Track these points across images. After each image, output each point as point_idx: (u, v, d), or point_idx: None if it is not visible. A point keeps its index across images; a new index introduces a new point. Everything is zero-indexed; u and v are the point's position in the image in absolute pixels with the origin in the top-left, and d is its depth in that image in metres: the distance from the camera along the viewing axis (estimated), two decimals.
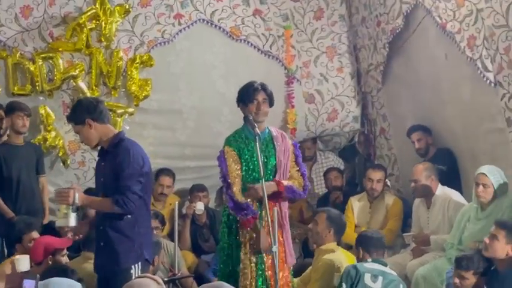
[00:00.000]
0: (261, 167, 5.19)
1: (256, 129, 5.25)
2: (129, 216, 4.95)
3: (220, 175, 5.47)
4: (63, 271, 5.16)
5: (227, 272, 5.47)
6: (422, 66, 7.72)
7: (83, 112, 5.10)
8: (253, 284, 5.35)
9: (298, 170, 5.59)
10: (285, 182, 5.42)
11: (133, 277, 4.80)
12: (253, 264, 5.36)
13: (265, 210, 5.25)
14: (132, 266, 4.97)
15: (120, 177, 4.92)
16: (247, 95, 5.47)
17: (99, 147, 5.21)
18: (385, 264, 5.75)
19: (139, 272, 4.92)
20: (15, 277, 3.88)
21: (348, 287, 5.50)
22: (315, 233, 6.31)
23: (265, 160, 5.42)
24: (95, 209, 5.03)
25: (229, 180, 5.37)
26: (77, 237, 6.04)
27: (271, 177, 5.41)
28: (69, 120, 5.23)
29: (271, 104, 5.52)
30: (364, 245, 5.94)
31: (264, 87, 5.48)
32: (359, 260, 5.89)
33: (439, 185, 6.96)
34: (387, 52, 8.10)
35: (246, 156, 5.43)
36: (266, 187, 5.18)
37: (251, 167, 5.43)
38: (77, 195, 4.89)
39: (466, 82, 6.95)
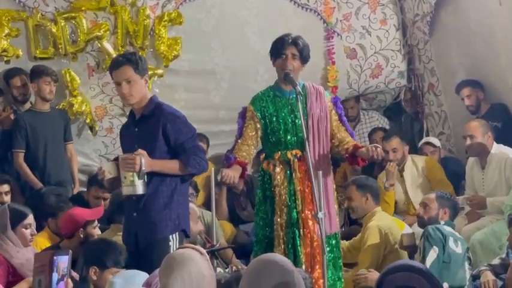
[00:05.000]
0: (304, 130, 5.19)
1: (298, 87, 5.22)
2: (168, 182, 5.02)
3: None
4: (112, 247, 5.06)
5: (263, 237, 5.50)
6: (474, 15, 7.65)
7: (145, 65, 5.17)
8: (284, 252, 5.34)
9: (346, 130, 5.56)
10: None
11: (172, 249, 4.84)
12: (285, 231, 5.37)
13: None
14: (170, 237, 5.01)
15: (185, 140, 5.02)
16: (275, 49, 5.45)
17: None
18: (454, 227, 5.80)
19: (178, 243, 4.95)
20: (45, 254, 3.88)
21: (441, 249, 5.58)
22: (354, 208, 6.37)
23: (294, 119, 5.41)
24: (164, 172, 4.99)
25: (239, 139, 5.47)
26: None
27: (300, 135, 5.37)
28: (131, 63, 5.05)
29: (304, 61, 5.46)
30: (453, 210, 6.06)
31: (294, 41, 5.41)
32: (435, 217, 5.93)
33: (494, 143, 6.88)
34: (435, 1, 8.00)
35: (270, 116, 5.43)
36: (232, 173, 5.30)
37: (277, 126, 5.42)
38: (143, 161, 4.89)
39: None
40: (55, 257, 3.80)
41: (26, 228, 5.17)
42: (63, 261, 3.86)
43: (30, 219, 5.24)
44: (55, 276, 3.77)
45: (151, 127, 5.05)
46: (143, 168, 4.88)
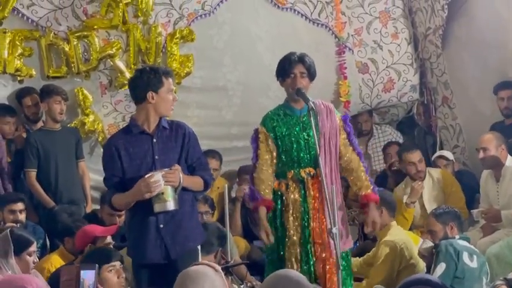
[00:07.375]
0: (317, 144, 5.18)
1: (310, 103, 5.21)
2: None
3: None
4: (105, 254, 5.19)
5: (275, 257, 5.46)
6: (487, 27, 7.66)
7: None
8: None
9: (353, 150, 5.51)
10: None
11: (200, 258, 4.87)
12: (298, 250, 5.35)
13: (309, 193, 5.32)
14: (198, 247, 5.06)
15: (200, 156, 5.15)
16: (283, 69, 5.44)
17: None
18: (469, 241, 5.75)
19: (200, 254, 5.01)
20: (73, 268, 3.93)
21: (452, 266, 5.53)
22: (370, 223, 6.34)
23: (307, 137, 5.39)
24: (190, 188, 5.02)
25: (256, 164, 5.43)
26: None
27: (313, 153, 5.36)
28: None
29: (311, 78, 5.45)
30: (457, 220, 5.96)
31: (301, 59, 5.40)
32: (444, 237, 5.86)
33: (509, 155, 6.86)
34: (446, 14, 8.01)
35: (282, 135, 5.41)
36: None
37: (289, 145, 5.41)
38: (181, 175, 4.90)
39: None
40: (82, 272, 3.85)
41: (30, 256, 5.15)
42: (88, 276, 3.90)
43: (34, 246, 5.25)
44: None
45: (170, 139, 5.05)
46: (181, 182, 4.89)
